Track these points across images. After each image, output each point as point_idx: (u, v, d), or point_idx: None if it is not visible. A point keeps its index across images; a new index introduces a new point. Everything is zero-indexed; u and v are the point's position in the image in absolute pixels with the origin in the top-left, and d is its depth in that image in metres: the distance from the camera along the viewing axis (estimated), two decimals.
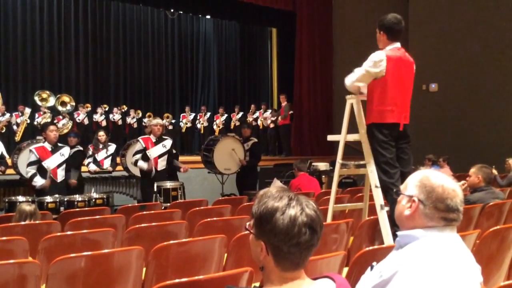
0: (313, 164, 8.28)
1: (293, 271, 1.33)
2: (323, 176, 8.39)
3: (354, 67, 3.68)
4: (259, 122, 12.95)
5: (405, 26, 3.76)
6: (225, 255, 2.93)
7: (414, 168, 2.40)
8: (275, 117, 12.22)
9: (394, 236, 3.16)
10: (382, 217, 3.40)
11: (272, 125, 12.39)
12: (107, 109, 13.10)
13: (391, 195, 3.35)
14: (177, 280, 1.98)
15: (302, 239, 1.29)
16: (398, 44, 3.63)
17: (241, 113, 13.67)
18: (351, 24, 12.74)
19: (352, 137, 3.74)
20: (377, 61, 3.47)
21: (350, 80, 3.64)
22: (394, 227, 3.14)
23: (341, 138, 3.80)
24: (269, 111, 12.82)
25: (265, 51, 14.84)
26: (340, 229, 3.26)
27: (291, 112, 11.92)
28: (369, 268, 1.69)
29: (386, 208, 3.43)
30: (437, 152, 8.77)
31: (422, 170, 1.74)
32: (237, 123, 13.35)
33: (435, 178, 1.63)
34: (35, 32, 13.37)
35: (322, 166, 8.36)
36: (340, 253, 2.40)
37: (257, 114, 13.21)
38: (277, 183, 6.38)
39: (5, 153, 7.23)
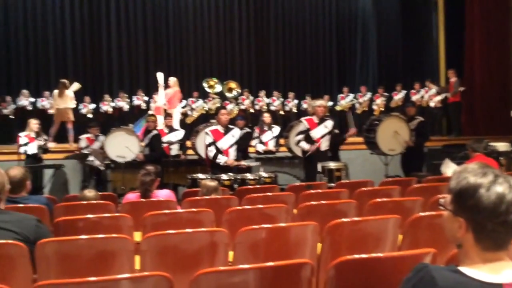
0: (490, 144, 7.51)
1: (494, 252, 1.26)
2: (501, 158, 7.56)
3: None
4: (423, 100, 12.19)
5: None
6: (400, 236, 2.87)
7: None
8: (443, 95, 11.36)
9: None
10: None
11: (439, 104, 11.56)
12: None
13: None
14: (357, 256, 2.01)
15: (510, 217, 1.22)
16: None
17: (403, 92, 13.03)
18: None
19: None
20: None
21: None
22: None
23: None
24: (435, 88, 11.96)
25: (430, 23, 13.73)
26: None
27: (461, 88, 10.93)
28: None
29: None
30: None
31: None
32: (399, 103, 12.78)
33: None
34: (204, 23, 14.65)
35: (502, 146, 7.53)
36: None
37: (421, 92, 12.43)
38: (449, 164, 5.95)
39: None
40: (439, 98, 11.58)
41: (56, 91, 9.89)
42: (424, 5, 14.07)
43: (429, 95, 11.95)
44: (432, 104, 11.82)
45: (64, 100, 9.68)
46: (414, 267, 1.31)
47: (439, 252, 2.11)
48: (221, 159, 6.17)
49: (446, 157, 7.19)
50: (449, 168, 5.81)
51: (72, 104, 9.90)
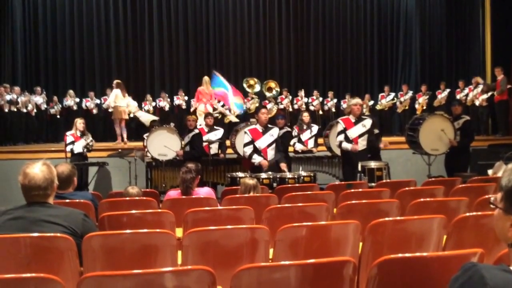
0: None
1: None
2: None
3: None
4: (468, 99, 11.79)
5: None
6: (444, 236, 2.79)
7: None
8: (489, 93, 10.96)
9: None
10: None
11: (485, 103, 11.16)
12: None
13: None
14: (400, 255, 1.97)
15: None
16: None
17: (447, 90, 12.65)
18: None
19: None
20: None
21: None
22: None
23: None
24: (481, 86, 11.55)
25: (476, 19, 13.25)
26: None
27: (509, 86, 10.51)
28: None
29: None
30: None
31: None
32: (443, 101, 12.42)
33: None
34: (244, 23, 14.75)
35: None
36: None
37: (466, 90, 12.04)
38: (502, 167, 5.71)
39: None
40: (485, 96, 11.18)
41: (119, 91, 10.25)
42: (470, 1, 13.61)
43: (475, 94, 11.55)
44: (477, 102, 11.42)
45: (126, 99, 10.20)
46: (462, 266, 1.27)
47: (485, 254, 2.04)
48: (256, 159, 6.18)
49: (491, 157, 6.95)
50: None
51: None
